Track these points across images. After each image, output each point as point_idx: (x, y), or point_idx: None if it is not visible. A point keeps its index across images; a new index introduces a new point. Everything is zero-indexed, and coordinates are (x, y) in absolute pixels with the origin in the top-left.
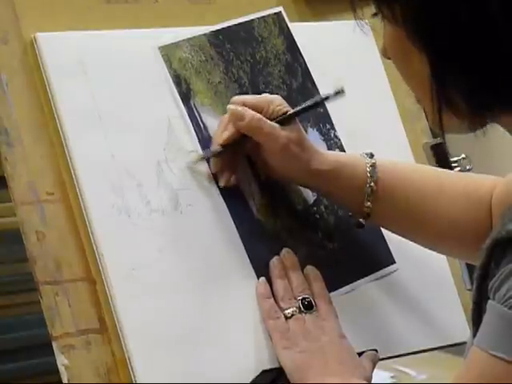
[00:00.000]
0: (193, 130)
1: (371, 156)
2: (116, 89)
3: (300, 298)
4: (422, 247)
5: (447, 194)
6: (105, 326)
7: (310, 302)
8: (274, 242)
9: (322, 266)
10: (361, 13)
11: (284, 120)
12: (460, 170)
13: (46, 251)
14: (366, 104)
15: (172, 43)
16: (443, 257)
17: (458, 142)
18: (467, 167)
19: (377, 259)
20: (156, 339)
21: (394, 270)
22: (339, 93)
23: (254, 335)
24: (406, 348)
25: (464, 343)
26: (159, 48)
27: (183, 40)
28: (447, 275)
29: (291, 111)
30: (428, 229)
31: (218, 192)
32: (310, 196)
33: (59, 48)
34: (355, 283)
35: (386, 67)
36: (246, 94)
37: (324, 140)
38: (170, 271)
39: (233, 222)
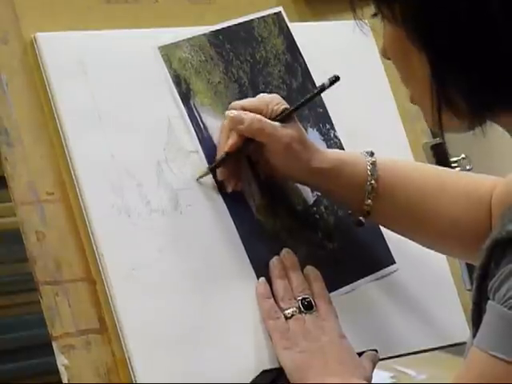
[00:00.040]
0: (193, 130)
1: (372, 154)
2: (116, 89)
3: (300, 298)
4: (422, 247)
5: (448, 193)
6: (105, 326)
7: (309, 302)
8: (274, 242)
9: (322, 266)
10: (361, 13)
11: (284, 117)
12: (460, 170)
13: (46, 251)
14: (366, 104)
15: (172, 43)
16: (443, 257)
17: (458, 142)
18: (467, 167)
19: (377, 259)
20: (156, 339)
21: (394, 270)
22: (334, 81)
23: (254, 335)
24: (406, 348)
25: (464, 343)
26: (159, 48)
27: (183, 40)
28: (447, 275)
29: (290, 107)
30: (428, 228)
31: (218, 192)
32: (309, 196)
33: (59, 48)
34: (355, 283)
35: (386, 67)
36: (246, 93)
37: (324, 140)
38: (170, 271)
39: (233, 222)
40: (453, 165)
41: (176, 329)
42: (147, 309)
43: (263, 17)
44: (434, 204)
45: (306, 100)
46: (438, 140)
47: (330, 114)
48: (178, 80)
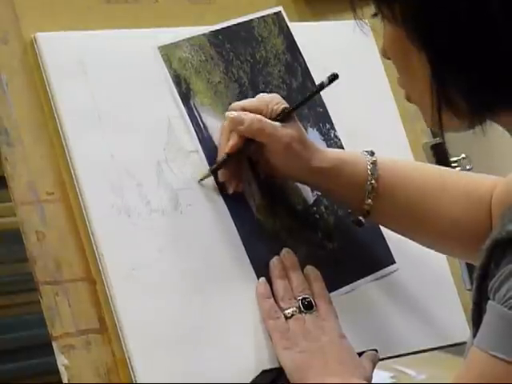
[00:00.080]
0: (193, 130)
1: (372, 154)
2: (116, 89)
3: (300, 297)
4: (422, 247)
5: (449, 193)
6: (105, 326)
7: (309, 302)
8: (274, 241)
9: (322, 265)
10: (361, 13)
11: (284, 117)
12: (460, 170)
13: (46, 251)
14: (366, 104)
15: (172, 43)
16: (443, 256)
17: (458, 142)
18: (467, 167)
19: (377, 259)
20: (156, 339)
21: (394, 270)
22: (333, 79)
23: (254, 335)
24: (406, 348)
25: (464, 343)
26: (159, 48)
27: (183, 40)
28: (447, 275)
29: (290, 107)
30: (428, 227)
31: (218, 192)
32: (309, 196)
33: (59, 48)
34: (355, 283)
35: (386, 67)
36: (246, 93)
37: (324, 140)
38: (170, 271)
39: (233, 223)
40: (453, 165)
41: (176, 329)
42: (147, 309)
43: (263, 17)
44: (434, 204)
45: (305, 99)
46: (438, 140)
47: (330, 114)
48: (177, 80)
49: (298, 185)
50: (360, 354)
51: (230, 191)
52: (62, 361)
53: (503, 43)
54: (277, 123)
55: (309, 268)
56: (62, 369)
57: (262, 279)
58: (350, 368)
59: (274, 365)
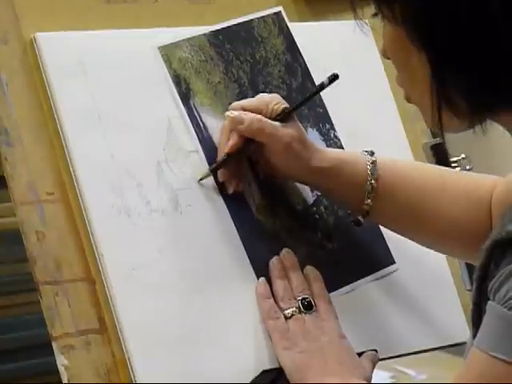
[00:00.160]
0: (193, 130)
1: (372, 154)
2: (116, 89)
3: (300, 298)
4: (421, 247)
5: (448, 193)
6: (105, 326)
7: (309, 302)
8: (274, 242)
9: (322, 266)
10: (361, 13)
11: (284, 117)
12: (460, 170)
13: (46, 251)
14: (366, 104)
15: (172, 43)
16: (443, 257)
17: (458, 142)
18: (467, 167)
19: (376, 259)
20: (156, 339)
21: (394, 270)
22: (333, 79)
23: (254, 335)
24: (406, 348)
25: (464, 343)
26: (159, 48)
27: (183, 40)
28: (447, 275)
29: (290, 107)
30: (428, 227)
31: (218, 192)
32: (309, 196)
33: (59, 48)
34: (355, 283)
35: (386, 67)
36: (246, 93)
37: (324, 140)
38: (170, 271)
39: (232, 223)
40: (453, 165)
41: (176, 329)
42: (147, 309)
43: (263, 17)
44: (434, 204)
45: (305, 99)
46: (437, 140)
47: (330, 114)
48: (177, 80)
49: (298, 185)
50: (360, 354)
51: (230, 191)
52: (61, 361)
53: (503, 43)
54: (277, 123)
55: (308, 268)
56: (61, 369)
57: (262, 279)
58: (349, 368)
59: (274, 365)
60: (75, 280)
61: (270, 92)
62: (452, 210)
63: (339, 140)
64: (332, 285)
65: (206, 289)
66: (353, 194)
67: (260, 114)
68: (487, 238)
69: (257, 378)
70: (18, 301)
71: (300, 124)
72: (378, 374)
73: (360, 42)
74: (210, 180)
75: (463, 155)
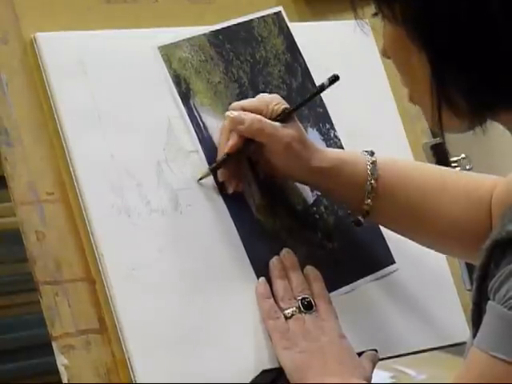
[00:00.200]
0: (193, 130)
1: (372, 154)
2: (116, 89)
3: (300, 298)
4: (421, 247)
5: (449, 193)
6: (105, 326)
7: (309, 302)
8: (274, 241)
9: (322, 265)
10: (361, 12)
11: (284, 117)
12: (460, 170)
13: (46, 251)
14: (366, 104)
15: (172, 43)
16: (443, 257)
17: (458, 142)
18: (467, 167)
19: (376, 259)
20: (156, 339)
21: (394, 270)
22: (334, 80)
23: (254, 335)
24: (406, 348)
25: (464, 343)
26: (159, 48)
27: (183, 40)
28: (447, 275)
29: (290, 107)
30: (428, 227)
31: (218, 192)
32: (309, 196)
33: (59, 48)
34: (355, 283)
35: (386, 67)
36: (246, 93)
37: (324, 140)
38: (170, 271)
39: (232, 223)
40: (453, 164)
41: (176, 329)
42: (147, 309)
43: (263, 17)
44: (434, 203)
45: (305, 100)
46: (437, 140)
47: (330, 114)
48: (177, 80)
49: (298, 185)
50: (360, 354)
51: (230, 191)
52: (61, 361)
53: (503, 43)
54: (277, 123)
55: (308, 268)
56: (61, 369)
57: (262, 279)
58: (349, 368)
59: (274, 365)
60: (75, 280)
61: (270, 92)
62: (452, 210)
63: (339, 140)
64: (332, 285)
65: (206, 289)
66: (353, 193)
67: (260, 114)
68: (487, 237)
69: (257, 377)
70: (18, 301)
71: (300, 124)
72: (378, 374)
73: (360, 42)
74: (210, 180)
75: (463, 155)
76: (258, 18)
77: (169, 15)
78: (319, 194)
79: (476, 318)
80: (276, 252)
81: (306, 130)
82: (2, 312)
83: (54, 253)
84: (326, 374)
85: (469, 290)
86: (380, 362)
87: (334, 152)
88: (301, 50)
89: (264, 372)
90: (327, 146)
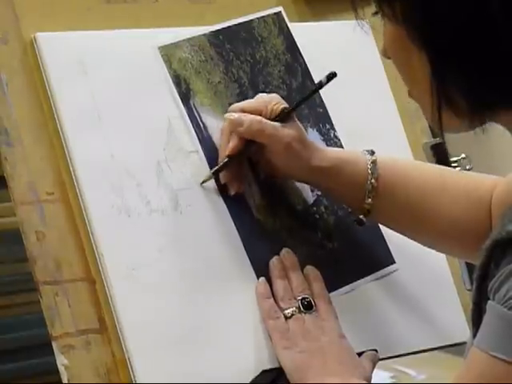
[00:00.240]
0: (193, 130)
1: (372, 153)
2: (116, 89)
3: (300, 298)
4: (421, 247)
5: (449, 193)
6: (105, 326)
7: (309, 302)
8: (274, 241)
9: (322, 265)
10: (361, 12)
11: (284, 116)
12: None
13: (46, 251)
14: (366, 104)
15: (172, 43)
16: (443, 256)
17: (458, 142)
18: (467, 167)
19: (376, 259)
20: (156, 339)
21: (394, 270)
22: (331, 77)
23: (254, 335)
24: (406, 348)
25: (464, 343)
26: (159, 48)
27: (183, 40)
28: (447, 275)
29: (289, 107)
30: (428, 227)
31: (218, 192)
32: (309, 196)
33: (59, 48)
34: (355, 283)
35: (386, 67)
36: (246, 93)
37: (324, 140)
38: (170, 271)
39: (233, 223)
40: (453, 164)
41: (176, 329)
42: (147, 309)
43: (263, 17)
44: (434, 203)
45: (304, 98)
46: (438, 140)
47: (330, 114)
48: (177, 80)
49: (298, 185)
50: (360, 354)
51: (232, 193)
52: (61, 361)
53: (503, 43)
54: (276, 123)
55: (309, 268)
56: (61, 369)
57: (262, 279)
58: (349, 368)
59: (274, 365)
60: (75, 280)
61: (270, 92)
62: (452, 210)
63: (339, 140)
64: (332, 285)
65: (205, 289)
66: (353, 193)
67: (260, 114)
68: (487, 237)
69: (257, 377)
70: (18, 301)
71: (300, 124)
72: (378, 374)
73: (360, 42)
74: (211, 181)
75: (463, 155)
76: (258, 18)
77: (169, 15)
78: (319, 193)
79: (476, 318)
80: (276, 252)
81: (305, 130)
82: (2, 312)
83: (54, 253)
84: (325, 374)
85: (469, 290)
86: (380, 362)
87: (334, 151)
88: (301, 50)
89: (264, 372)
90: (327, 146)
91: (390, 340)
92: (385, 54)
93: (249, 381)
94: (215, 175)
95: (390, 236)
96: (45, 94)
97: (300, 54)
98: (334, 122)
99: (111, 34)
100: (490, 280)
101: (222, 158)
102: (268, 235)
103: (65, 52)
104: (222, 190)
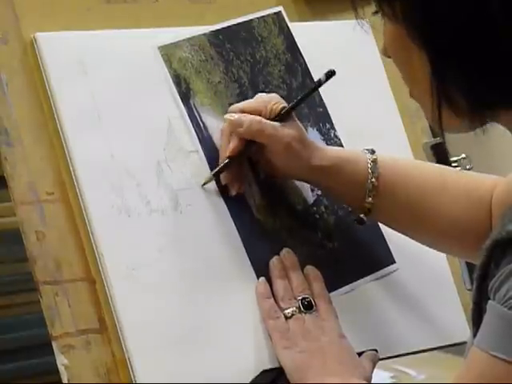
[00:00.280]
0: (193, 130)
1: (372, 152)
2: (116, 89)
3: (300, 297)
4: (422, 246)
5: (449, 192)
6: (104, 326)
7: (309, 302)
8: (274, 241)
9: (322, 265)
10: (362, 12)
11: (283, 116)
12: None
13: (46, 251)
14: (366, 103)
15: (172, 43)
16: (443, 256)
17: (458, 142)
18: (467, 167)
19: (377, 259)
20: (156, 339)
21: (394, 270)
22: (330, 75)
23: (254, 335)
24: (406, 348)
25: (464, 343)
26: (159, 48)
27: (183, 40)
28: (447, 275)
29: (289, 106)
30: (428, 226)
31: (218, 192)
32: (309, 196)
33: (59, 48)
34: (355, 283)
35: (387, 67)
36: (246, 93)
37: (324, 140)
38: (170, 271)
39: (233, 222)
40: (453, 164)
41: (176, 329)
42: (147, 309)
43: (263, 16)
44: (435, 202)
45: (303, 96)
46: (438, 140)
47: (330, 114)
48: (177, 80)
49: (298, 185)
50: (360, 354)
51: (233, 193)
52: (61, 361)
53: (503, 43)
54: (276, 123)
55: (309, 268)
56: (61, 369)
57: (262, 279)
58: (349, 368)
59: (274, 365)
60: (75, 280)
61: (271, 92)
62: (452, 209)
63: (339, 139)
64: (332, 284)
65: (206, 289)
66: (353, 192)
67: (259, 114)
68: (487, 237)
69: (257, 377)
70: (18, 301)
71: (300, 123)
72: (378, 374)
73: (360, 42)
74: (211, 181)
75: (463, 155)
76: (258, 17)
77: (169, 15)
78: (319, 193)
79: (476, 318)
80: (276, 252)
81: (306, 130)
82: (2, 312)
83: (54, 253)
84: (325, 374)
85: (469, 290)
86: (380, 362)
87: (334, 150)
88: (301, 50)
89: (264, 372)
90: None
91: (390, 340)
92: (385, 53)
93: (249, 381)
94: (216, 177)
95: (390, 236)
96: (45, 94)
97: (300, 53)
98: (334, 122)
99: (111, 33)
100: (490, 280)
101: (223, 159)
102: (268, 235)
103: (65, 52)
104: (223, 190)
